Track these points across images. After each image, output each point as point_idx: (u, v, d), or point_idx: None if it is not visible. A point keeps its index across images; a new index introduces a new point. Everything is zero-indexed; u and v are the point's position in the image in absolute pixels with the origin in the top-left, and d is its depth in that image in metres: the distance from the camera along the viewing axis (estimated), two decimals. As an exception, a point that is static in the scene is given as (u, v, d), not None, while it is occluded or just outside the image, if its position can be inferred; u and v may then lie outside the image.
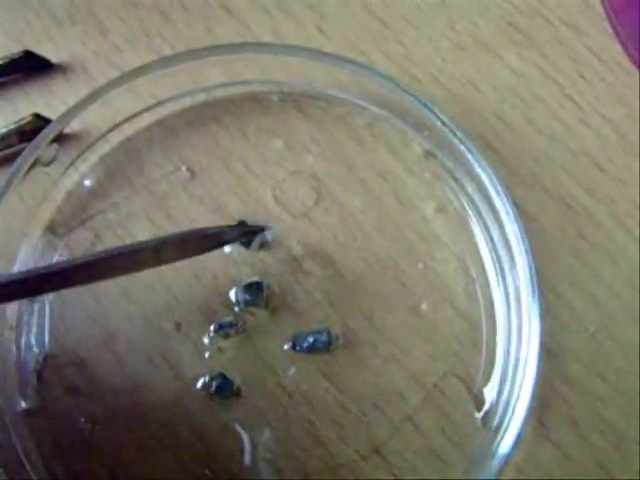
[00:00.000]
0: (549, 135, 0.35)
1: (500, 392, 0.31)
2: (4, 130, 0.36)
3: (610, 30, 0.35)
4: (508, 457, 0.29)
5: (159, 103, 0.36)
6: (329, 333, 0.32)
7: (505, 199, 0.31)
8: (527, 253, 0.31)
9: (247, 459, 0.31)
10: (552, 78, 0.35)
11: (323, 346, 0.31)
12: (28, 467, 0.31)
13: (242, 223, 0.33)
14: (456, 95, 0.35)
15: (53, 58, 0.38)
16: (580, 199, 0.34)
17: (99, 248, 0.34)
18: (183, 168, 0.35)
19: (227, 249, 0.33)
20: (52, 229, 0.35)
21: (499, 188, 0.31)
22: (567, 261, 0.33)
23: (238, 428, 0.31)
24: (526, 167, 0.34)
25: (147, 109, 0.36)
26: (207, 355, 0.32)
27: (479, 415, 0.31)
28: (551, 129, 0.35)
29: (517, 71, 0.36)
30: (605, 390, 0.31)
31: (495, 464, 0.29)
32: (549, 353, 0.31)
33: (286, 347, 0.32)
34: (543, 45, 0.36)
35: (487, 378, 0.31)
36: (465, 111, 0.35)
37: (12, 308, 0.33)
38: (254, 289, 0.32)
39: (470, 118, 0.35)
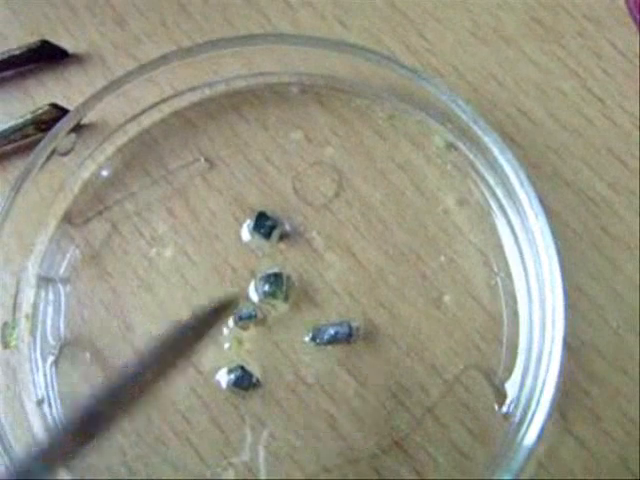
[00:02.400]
0: (571, 129, 0.34)
1: (522, 386, 0.30)
2: (21, 120, 0.35)
3: (633, 25, 0.35)
4: (531, 451, 0.28)
5: (178, 94, 0.36)
6: (350, 325, 0.31)
7: (529, 191, 0.31)
8: (550, 246, 0.30)
9: (265, 451, 0.31)
10: (574, 72, 0.35)
11: (344, 338, 0.31)
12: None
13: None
14: (477, 88, 0.35)
15: (70, 49, 0.37)
16: (602, 192, 0.33)
17: (116, 238, 0.34)
18: (202, 159, 0.35)
19: (246, 239, 0.33)
20: (69, 219, 0.34)
21: (523, 180, 0.31)
22: (589, 255, 0.33)
23: (257, 420, 0.31)
24: (548, 161, 0.34)
25: (166, 100, 0.36)
26: (226, 347, 0.32)
27: (501, 408, 0.30)
28: (573, 123, 0.34)
29: (539, 65, 0.35)
30: (628, 385, 0.31)
31: (518, 458, 0.28)
32: (570, 347, 0.31)
33: (306, 339, 0.32)
34: (565, 39, 0.36)
35: (509, 372, 0.31)
36: (487, 104, 0.35)
37: (28, 297, 0.33)
38: (274, 281, 0.32)
39: (491, 111, 0.35)
